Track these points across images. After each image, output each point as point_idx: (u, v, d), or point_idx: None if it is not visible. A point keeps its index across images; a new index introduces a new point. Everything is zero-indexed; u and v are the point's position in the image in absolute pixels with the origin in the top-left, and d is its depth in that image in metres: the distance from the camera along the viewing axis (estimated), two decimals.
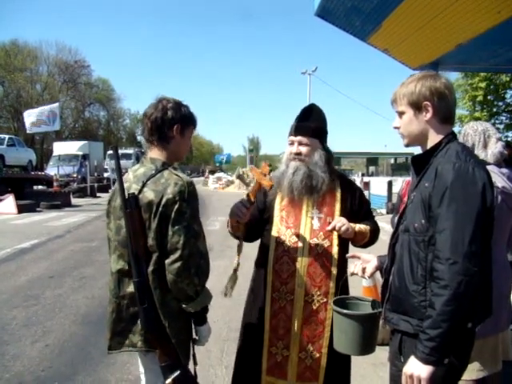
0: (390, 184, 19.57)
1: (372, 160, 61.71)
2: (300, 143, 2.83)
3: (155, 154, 2.48)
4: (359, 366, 3.58)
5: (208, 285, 7.54)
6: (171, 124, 2.44)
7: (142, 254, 2.26)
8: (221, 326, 5.47)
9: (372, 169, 58.76)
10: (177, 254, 2.25)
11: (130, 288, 2.33)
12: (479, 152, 3.03)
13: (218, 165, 59.52)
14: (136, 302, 2.30)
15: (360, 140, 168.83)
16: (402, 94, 2.12)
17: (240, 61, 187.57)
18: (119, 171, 2.35)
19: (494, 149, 3.04)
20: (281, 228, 2.86)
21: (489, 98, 19.83)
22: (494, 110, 21.08)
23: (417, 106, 2.08)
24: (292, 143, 2.85)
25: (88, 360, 4.54)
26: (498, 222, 2.10)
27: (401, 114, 2.16)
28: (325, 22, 13.36)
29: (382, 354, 4.56)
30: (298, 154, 2.82)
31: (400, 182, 33.36)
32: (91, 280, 7.48)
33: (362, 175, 22.96)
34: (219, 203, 23.53)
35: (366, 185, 19.38)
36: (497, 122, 21.22)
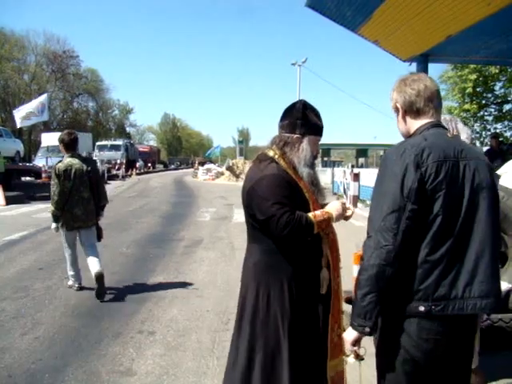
0: None
1: (362, 151, 61.78)
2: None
3: None
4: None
5: (201, 275, 7.56)
6: None
7: None
8: (212, 317, 5.47)
9: (361, 160, 58.80)
10: None
11: None
12: None
13: (209, 158, 59.29)
14: None
15: (350, 131, 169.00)
16: (391, 101, 2.41)
17: (230, 52, 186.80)
18: None
19: (465, 133, 3.18)
20: None
21: (478, 90, 19.89)
22: (483, 101, 21.18)
23: (395, 109, 2.37)
24: (315, 143, 2.87)
25: (79, 352, 4.51)
26: None
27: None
28: (315, 12, 13.34)
29: (367, 344, 4.60)
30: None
31: None
32: (81, 271, 7.41)
33: (352, 167, 22.89)
34: (209, 195, 23.48)
35: (356, 176, 19.37)
36: (486, 113, 21.35)
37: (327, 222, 2.71)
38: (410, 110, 2.29)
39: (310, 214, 2.64)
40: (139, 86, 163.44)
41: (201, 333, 5.01)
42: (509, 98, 21.16)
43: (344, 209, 2.85)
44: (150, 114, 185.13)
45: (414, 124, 2.30)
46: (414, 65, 14.40)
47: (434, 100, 2.27)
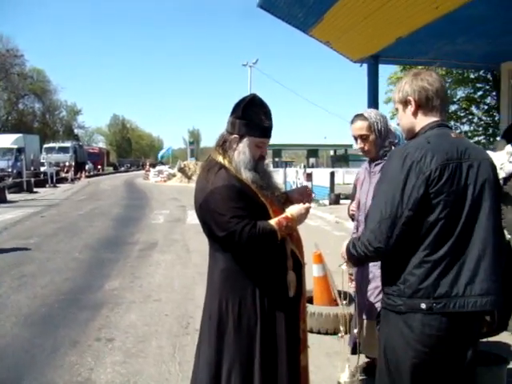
0: (332, 175, 19.86)
1: (312, 152, 62.50)
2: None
3: None
4: (313, 356, 3.56)
5: (157, 279, 7.42)
6: None
7: None
8: (171, 321, 5.36)
9: (312, 160, 59.47)
10: None
11: None
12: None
13: (160, 159, 58.55)
14: None
15: (300, 132, 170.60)
16: (394, 94, 2.38)
17: (180, 52, 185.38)
18: None
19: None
20: None
21: None
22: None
23: (404, 102, 2.32)
24: (258, 146, 2.64)
25: (33, 363, 4.32)
26: None
27: (397, 110, 2.39)
28: (267, 13, 13.37)
29: (335, 343, 4.61)
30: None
31: (341, 174, 33.99)
32: (32, 279, 7.17)
33: (304, 167, 23.11)
34: (162, 197, 23.22)
35: (309, 176, 19.56)
36: None
37: (290, 226, 2.59)
38: (426, 106, 2.27)
39: (272, 222, 2.51)
40: (87, 86, 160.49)
41: (161, 338, 4.90)
42: (454, 99, 21.77)
43: (306, 211, 2.70)
44: (99, 115, 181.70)
45: (424, 121, 2.27)
46: (365, 66, 14.68)
47: (444, 100, 2.30)
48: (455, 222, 2.06)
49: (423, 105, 2.26)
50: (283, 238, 2.57)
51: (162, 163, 56.42)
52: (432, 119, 2.26)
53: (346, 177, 36.10)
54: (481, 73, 20.68)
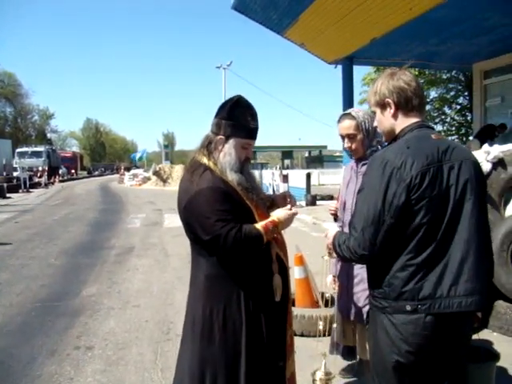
0: (308, 176, 19.88)
1: (287, 153, 62.72)
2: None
3: None
4: (297, 359, 3.50)
5: (135, 284, 7.32)
6: None
7: None
8: (151, 327, 5.27)
9: (287, 162, 59.69)
10: None
11: None
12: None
13: (135, 162, 58.04)
14: None
15: (275, 134, 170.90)
16: (370, 96, 2.33)
17: (153, 55, 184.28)
18: None
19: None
20: None
21: None
22: None
23: (381, 105, 2.27)
24: (244, 147, 2.61)
25: (10, 375, 4.19)
26: None
27: (374, 113, 2.35)
28: (242, 15, 13.34)
29: (319, 345, 4.58)
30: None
31: (316, 175, 34.07)
32: (7, 286, 7.00)
33: (280, 168, 23.12)
34: (137, 200, 22.98)
35: (285, 177, 19.57)
36: None
37: (276, 229, 2.55)
38: (405, 106, 2.23)
39: (258, 226, 2.46)
40: (60, 90, 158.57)
41: (141, 345, 4.81)
42: (427, 100, 22.06)
43: (292, 215, 2.65)
44: (72, 119, 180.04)
45: (404, 122, 2.24)
46: (340, 67, 14.74)
47: (423, 99, 2.26)
48: (438, 225, 2.05)
49: (402, 106, 2.22)
50: (268, 242, 2.53)
51: (137, 166, 55.95)
52: (412, 120, 2.22)
53: (321, 178, 36.33)
54: (453, 73, 20.98)
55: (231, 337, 2.44)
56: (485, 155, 4.99)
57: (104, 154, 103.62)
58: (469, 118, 20.39)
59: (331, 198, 21.65)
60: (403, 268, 2.06)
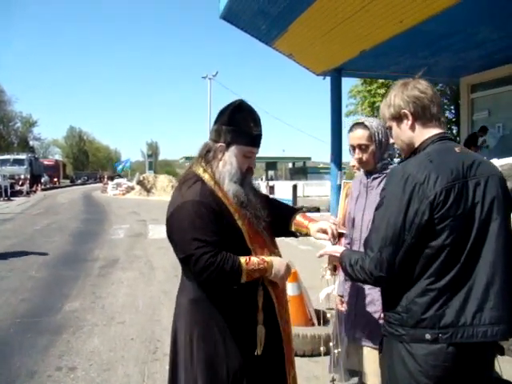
0: (294, 188, 19.81)
1: (271, 164, 62.74)
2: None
3: None
4: None
5: (120, 298, 7.07)
6: None
7: None
8: (138, 346, 5.04)
9: (271, 173, 59.68)
10: None
11: None
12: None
13: (118, 171, 57.55)
14: None
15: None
16: (383, 110, 2.20)
17: (138, 64, 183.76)
18: None
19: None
20: None
21: None
22: None
23: (397, 118, 2.13)
24: (246, 156, 2.40)
25: None
26: None
27: (390, 129, 2.21)
28: (230, 25, 13.27)
29: (314, 367, 4.42)
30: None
31: (301, 186, 34.05)
32: None
33: (267, 179, 23.05)
34: (121, 211, 22.64)
35: (272, 189, 19.51)
36: None
37: (262, 272, 2.25)
38: (423, 115, 2.08)
39: (243, 259, 2.19)
40: (44, 98, 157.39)
41: (127, 365, 4.58)
42: None
43: (288, 270, 2.38)
44: (55, 127, 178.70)
45: (424, 133, 2.09)
46: (328, 79, 14.72)
47: (432, 107, 2.09)
48: (462, 246, 1.89)
49: (420, 116, 2.07)
50: (255, 287, 2.28)
51: (120, 176, 55.51)
52: (432, 131, 2.07)
53: (306, 189, 36.29)
54: (439, 87, 21.09)
55: (211, 368, 2.23)
56: None
57: (87, 162, 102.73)
58: (454, 131, 20.49)
59: (317, 209, 21.60)
60: (424, 293, 1.90)
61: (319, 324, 5.03)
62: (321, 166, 68.26)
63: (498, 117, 13.46)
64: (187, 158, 70.52)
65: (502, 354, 2.19)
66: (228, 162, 2.33)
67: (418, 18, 9.50)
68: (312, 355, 4.62)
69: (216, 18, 13.03)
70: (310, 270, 6.56)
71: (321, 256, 2.41)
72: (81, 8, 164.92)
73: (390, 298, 2.03)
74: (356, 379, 3.83)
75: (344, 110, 23.24)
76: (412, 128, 2.10)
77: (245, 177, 2.38)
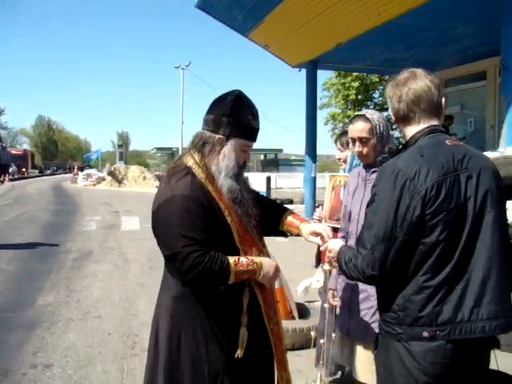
0: (268, 180, 19.75)
1: None
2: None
3: None
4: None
5: (95, 292, 6.94)
6: None
7: None
8: (115, 341, 4.93)
9: None
10: None
11: None
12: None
13: (88, 162, 56.73)
14: None
15: None
16: (391, 114, 2.18)
17: (109, 52, 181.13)
18: None
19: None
20: None
21: (360, 97, 20.76)
22: (364, 108, 22.18)
23: (395, 116, 2.13)
24: (244, 149, 2.33)
25: None
26: None
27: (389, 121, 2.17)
28: (205, 14, 13.12)
29: (297, 360, 4.39)
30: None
31: (273, 178, 34.02)
32: None
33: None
34: (92, 201, 22.29)
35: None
36: None
37: (251, 274, 2.20)
38: (397, 117, 2.10)
39: (231, 260, 2.12)
40: (11, 86, 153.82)
41: (106, 361, 4.47)
42: (386, 106, 22.32)
43: (277, 272, 2.33)
44: (23, 115, 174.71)
45: (409, 131, 2.09)
46: (304, 71, 14.69)
47: (421, 102, 2.02)
48: (456, 242, 1.86)
49: (396, 117, 2.11)
50: (242, 288, 2.23)
51: (90, 166, 54.70)
52: (417, 127, 2.05)
53: (278, 181, 36.34)
54: None
55: (194, 370, 2.17)
56: None
57: (56, 152, 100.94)
58: None
59: (291, 201, 21.62)
60: (420, 290, 1.87)
61: (300, 317, 5.02)
62: (292, 158, 68.49)
63: (470, 112, 13.65)
64: (159, 149, 70.07)
65: (498, 347, 2.17)
66: (227, 155, 2.24)
67: (395, 12, 9.52)
68: (293, 348, 4.59)
69: (191, 8, 12.87)
70: (288, 262, 6.55)
71: (324, 249, 2.40)
72: None
73: (386, 296, 2.00)
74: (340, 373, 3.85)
75: (318, 103, 23.37)
76: (399, 126, 2.14)
77: (240, 172, 2.30)
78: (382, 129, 2.91)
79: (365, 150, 2.93)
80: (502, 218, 1.95)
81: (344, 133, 3.66)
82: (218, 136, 2.24)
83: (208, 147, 2.25)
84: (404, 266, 1.90)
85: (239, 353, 2.19)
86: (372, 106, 22.79)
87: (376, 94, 22.47)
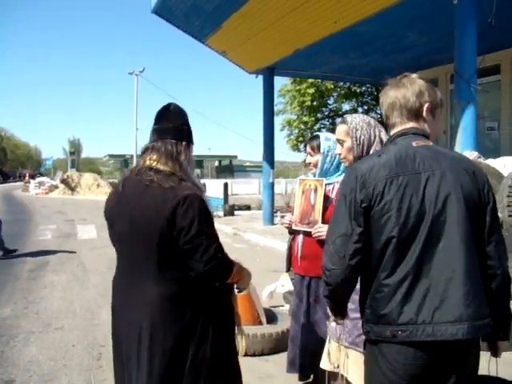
0: (226, 186, 19.75)
1: (197, 162, 62.19)
2: None
3: None
4: (246, 381, 3.27)
5: (55, 303, 6.73)
6: None
7: None
8: (80, 353, 4.80)
9: (197, 171, 59.43)
10: None
11: None
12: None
13: (40, 169, 55.38)
14: None
15: None
16: None
17: (60, 58, 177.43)
18: None
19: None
20: None
21: (315, 103, 20.94)
22: (319, 115, 22.39)
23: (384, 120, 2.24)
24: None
25: None
26: None
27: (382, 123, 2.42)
28: (162, 20, 13.04)
29: (266, 365, 4.38)
30: None
31: (230, 185, 34.04)
32: None
33: (198, 177, 22.83)
34: (45, 210, 21.76)
35: (203, 187, 19.30)
36: (321, 126, 22.56)
37: (239, 275, 2.39)
38: (385, 121, 2.22)
39: (232, 259, 2.32)
40: None
41: (71, 374, 4.33)
42: (340, 112, 22.59)
43: (249, 277, 2.53)
44: None
45: (390, 132, 2.18)
46: (261, 78, 14.76)
47: (395, 107, 2.09)
48: (411, 240, 1.87)
49: (386, 120, 2.18)
50: (230, 290, 2.39)
51: (41, 174, 53.41)
52: (397, 129, 2.11)
53: (234, 187, 36.37)
54: (366, 87, 21.65)
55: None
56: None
57: (5, 160, 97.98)
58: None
59: (248, 207, 21.66)
60: (380, 288, 1.89)
61: (268, 322, 5.02)
62: (247, 164, 68.75)
63: None
64: (111, 156, 69.01)
65: (496, 355, 2.17)
66: (191, 160, 2.41)
67: (351, 20, 9.70)
68: (262, 354, 4.58)
69: (147, 13, 12.76)
70: (249, 268, 6.54)
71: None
72: None
73: (361, 294, 2.03)
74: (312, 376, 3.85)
75: (274, 109, 23.50)
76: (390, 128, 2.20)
77: None
78: (359, 132, 2.87)
79: (343, 152, 2.95)
80: (468, 220, 1.92)
81: (314, 137, 3.68)
82: (184, 143, 2.38)
83: (183, 155, 2.35)
84: (367, 263, 1.93)
85: (241, 353, 2.42)
86: (327, 113, 23.05)
87: (330, 101, 22.69)
